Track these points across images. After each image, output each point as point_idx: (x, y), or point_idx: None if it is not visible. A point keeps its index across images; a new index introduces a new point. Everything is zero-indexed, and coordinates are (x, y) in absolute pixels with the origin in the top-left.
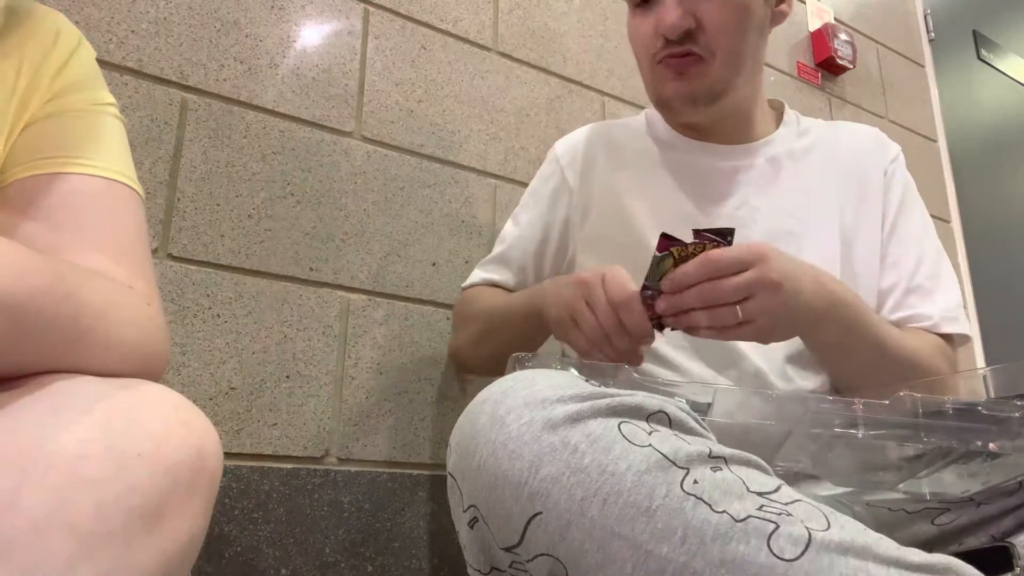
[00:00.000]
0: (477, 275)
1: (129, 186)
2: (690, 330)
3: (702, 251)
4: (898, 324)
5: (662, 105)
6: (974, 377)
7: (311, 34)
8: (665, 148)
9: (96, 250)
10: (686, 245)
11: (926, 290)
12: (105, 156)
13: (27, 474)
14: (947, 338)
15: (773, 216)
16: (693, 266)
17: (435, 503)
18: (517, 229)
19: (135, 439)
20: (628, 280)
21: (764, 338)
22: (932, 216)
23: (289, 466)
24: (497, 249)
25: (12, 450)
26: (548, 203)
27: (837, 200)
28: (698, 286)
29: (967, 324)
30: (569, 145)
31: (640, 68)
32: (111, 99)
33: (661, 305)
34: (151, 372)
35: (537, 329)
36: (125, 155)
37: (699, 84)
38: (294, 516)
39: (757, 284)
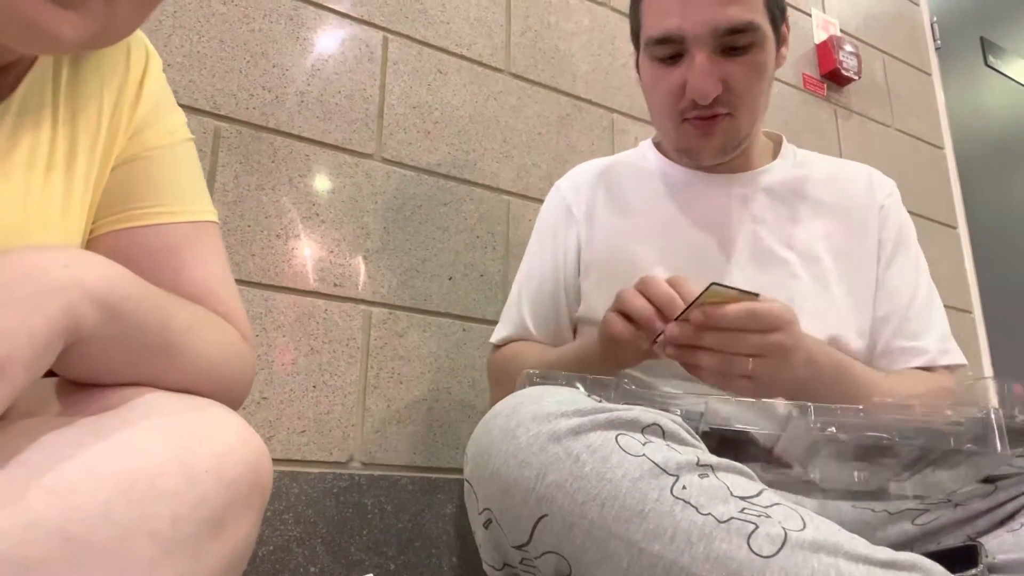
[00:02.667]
0: (504, 330)
1: (211, 220)
2: (687, 367)
3: (718, 298)
4: (894, 360)
5: (686, 154)
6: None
7: (333, 62)
8: (662, 178)
9: (196, 298)
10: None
11: (921, 321)
12: (185, 195)
13: (116, 489)
14: (938, 368)
15: (768, 244)
16: (737, 313)
17: (453, 505)
18: (532, 272)
19: (203, 457)
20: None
21: (755, 395)
22: (938, 222)
23: (316, 471)
24: (517, 296)
25: (103, 467)
26: (558, 236)
27: (832, 232)
28: (721, 331)
29: (960, 353)
30: (572, 181)
31: (655, 114)
32: (181, 117)
33: (674, 331)
34: (229, 396)
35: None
36: (200, 184)
37: (727, 138)
38: (321, 518)
39: (776, 347)
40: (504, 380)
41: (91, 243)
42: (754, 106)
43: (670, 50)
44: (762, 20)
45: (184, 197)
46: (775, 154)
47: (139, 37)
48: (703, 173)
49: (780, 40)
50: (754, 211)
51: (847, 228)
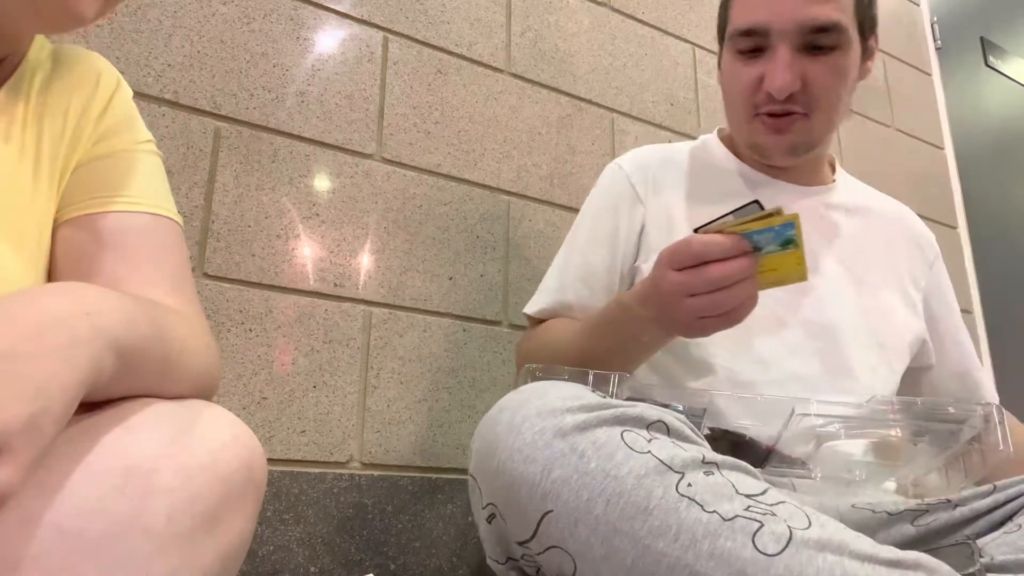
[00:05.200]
0: (543, 301)
1: (170, 218)
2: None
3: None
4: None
5: (756, 151)
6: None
7: (334, 62)
8: (740, 179)
9: (151, 282)
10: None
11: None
12: (148, 192)
13: (111, 485)
14: None
15: (829, 261)
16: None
17: (453, 505)
18: (584, 245)
19: (197, 454)
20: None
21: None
22: (939, 222)
23: (316, 471)
24: (562, 267)
25: (98, 465)
26: (620, 213)
27: (885, 262)
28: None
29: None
30: (637, 163)
31: (730, 108)
32: (148, 136)
33: None
34: (209, 392)
35: (642, 346)
36: (164, 189)
37: (798, 138)
38: (322, 518)
39: None
40: (538, 353)
41: (53, 232)
42: (831, 110)
43: (752, 43)
44: (849, 24)
45: (144, 193)
46: (833, 172)
47: (111, 68)
48: (780, 181)
49: (867, 53)
50: (822, 229)
51: (898, 268)
